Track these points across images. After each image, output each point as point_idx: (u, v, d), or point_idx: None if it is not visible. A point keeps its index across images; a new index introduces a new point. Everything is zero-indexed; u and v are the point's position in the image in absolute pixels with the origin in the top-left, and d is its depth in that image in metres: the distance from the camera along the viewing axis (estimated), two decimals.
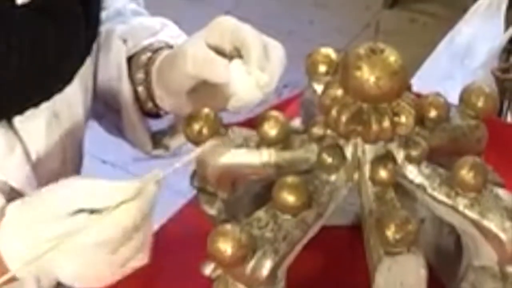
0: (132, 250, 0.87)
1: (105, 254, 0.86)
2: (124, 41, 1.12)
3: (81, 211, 0.85)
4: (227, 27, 1.01)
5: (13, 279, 0.86)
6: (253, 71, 0.98)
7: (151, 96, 1.10)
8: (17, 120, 0.98)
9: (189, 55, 1.01)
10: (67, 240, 0.83)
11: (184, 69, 1.02)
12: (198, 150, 0.93)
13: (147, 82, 1.09)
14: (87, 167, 1.18)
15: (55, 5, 0.94)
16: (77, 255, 0.86)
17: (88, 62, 1.04)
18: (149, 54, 1.10)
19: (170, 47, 1.10)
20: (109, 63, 1.12)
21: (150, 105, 1.11)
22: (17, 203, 0.89)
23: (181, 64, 1.02)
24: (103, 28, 1.12)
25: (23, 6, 0.87)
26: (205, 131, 0.95)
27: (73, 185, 0.87)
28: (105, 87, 1.12)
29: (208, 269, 0.92)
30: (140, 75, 1.10)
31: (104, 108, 1.15)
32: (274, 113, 0.94)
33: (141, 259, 0.89)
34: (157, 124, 1.14)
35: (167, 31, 1.14)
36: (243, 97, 1.00)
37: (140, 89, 1.10)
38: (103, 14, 1.13)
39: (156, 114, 1.13)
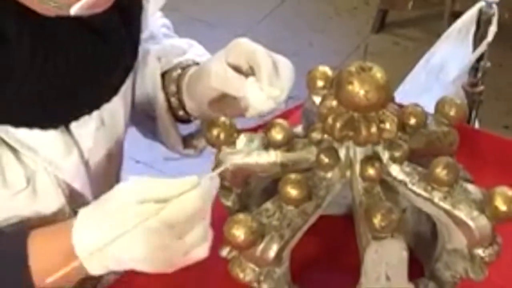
0: (195, 239, 0.84)
1: (171, 238, 0.82)
2: (158, 59, 1.12)
3: (146, 202, 0.83)
4: (243, 48, 1.01)
5: (83, 270, 0.85)
6: (264, 87, 0.98)
7: (182, 106, 1.10)
8: (73, 125, 0.98)
9: (212, 72, 1.01)
10: (136, 225, 0.81)
11: (208, 84, 1.02)
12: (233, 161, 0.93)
13: (178, 94, 1.09)
14: (123, 166, 1.18)
15: (104, 27, 0.95)
16: (145, 240, 0.82)
17: (130, 78, 1.04)
18: (179, 71, 1.10)
19: (197, 64, 1.10)
20: (146, 78, 1.12)
21: (181, 113, 1.11)
22: (88, 206, 0.86)
23: (205, 79, 1.02)
24: (140, 49, 1.12)
25: (79, 27, 0.86)
26: (222, 136, 0.95)
27: (137, 182, 0.85)
28: (143, 99, 1.12)
29: (225, 252, 0.92)
30: (172, 88, 1.10)
31: (142, 116, 1.14)
32: (280, 120, 0.94)
33: (202, 251, 0.85)
34: (186, 128, 1.14)
35: (194, 50, 1.14)
36: (257, 108, 1.00)
37: (173, 99, 1.10)
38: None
39: (186, 120, 1.13)
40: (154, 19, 1.16)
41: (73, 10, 0.83)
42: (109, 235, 0.82)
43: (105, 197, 0.86)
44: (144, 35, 1.14)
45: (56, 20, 0.87)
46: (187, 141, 1.15)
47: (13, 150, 0.93)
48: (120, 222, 0.82)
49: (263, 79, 0.98)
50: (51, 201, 0.97)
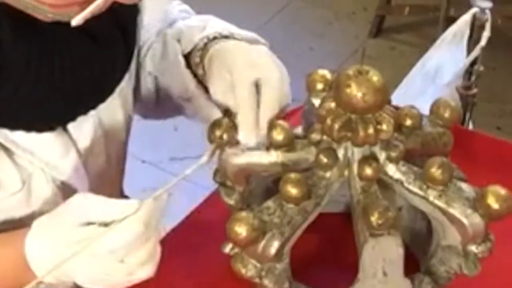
0: (137, 261, 0.83)
1: (113, 262, 0.82)
2: (178, 41, 1.08)
3: (91, 224, 0.83)
4: (231, 79, 0.96)
5: (40, 283, 0.85)
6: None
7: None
8: (70, 126, 0.97)
9: (215, 84, 0.99)
10: (82, 249, 0.81)
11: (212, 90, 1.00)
12: (201, 161, 0.90)
13: (204, 69, 1.04)
14: (129, 166, 1.17)
15: (98, 30, 0.94)
16: (90, 262, 0.82)
17: (127, 77, 1.03)
18: (199, 53, 1.04)
19: (216, 37, 1.04)
20: (170, 63, 1.08)
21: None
22: (41, 218, 0.86)
23: (212, 91, 1.00)
24: (159, 36, 1.09)
25: (73, 30, 0.85)
26: (225, 136, 0.95)
27: (84, 202, 0.85)
28: (174, 84, 1.08)
29: (227, 248, 0.92)
30: (200, 72, 1.04)
31: (180, 101, 1.10)
32: (281, 122, 0.94)
33: (145, 272, 0.84)
34: None
35: (211, 25, 1.07)
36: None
37: (200, 72, 1.04)
38: (161, 26, 1.10)
39: None
40: (171, 8, 1.13)
41: (75, 21, 0.81)
42: (58, 254, 0.82)
43: (56, 213, 0.85)
44: (161, 25, 1.11)
45: (50, 24, 0.86)
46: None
47: (8, 152, 0.92)
48: (66, 243, 0.82)
49: (242, 125, 0.95)
50: (46, 202, 0.96)
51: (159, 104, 1.14)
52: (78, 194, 0.87)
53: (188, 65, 1.06)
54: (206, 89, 1.04)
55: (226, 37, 1.04)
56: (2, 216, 0.95)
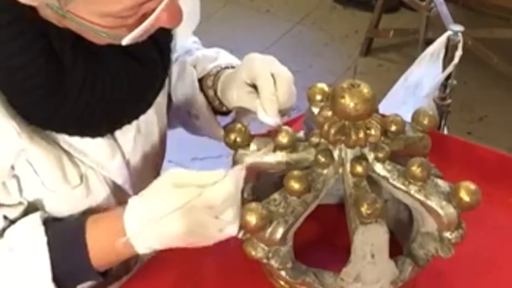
0: (228, 218, 0.84)
1: (210, 217, 0.84)
2: (194, 67, 1.10)
3: (188, 187, 0.84)
4: (250, 68, 0.99)
5: (130, 247, 0.85)
6: (267, 111, 0.96)
7: (219, 100, 1.07)
8: (117, 133, 0.97)
9: (234, 90, 1.01)
10: (182, 205, 0.82)
11: (231, 97, 1.02)
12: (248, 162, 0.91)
13: (215, 93, 1.07)
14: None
15: (140, 52, 0.94)
16: (188, 217, 0.83)
17: (162, 93, 1.03)
18: (213, 76, 1.07)
19: (226, 67, 1.08)
20: (186, 84, 1.09)
21: (218, 106, 1.08)
22: (134, 197, 0.87)
23: (230, 96, 1.02)
24: (177, 61, 1.11)
25: (121, 53, 0.86)
26: (238, 140, 0.95)
27: (177, 173, 0.86)
28: (186, 101, 1.10)
29: (240, 234, 0.91)
30: (210, 93, 1.07)
31: (186, 115, 1.12)
32: (285, 127, 0.94)
33: (234, 229, 0.86)
34: (225, 119, 1.11)
35: (222, 56, 1.11)
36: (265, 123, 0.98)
37: (211, 94, 1.07)
38: (179, 52, 1.12)
39: (224, 112, 1.10)
40: (185, 39, 1.14)
41: (125, 41, 0.82)
42: (156, 214, 0.83)
43: (151, 186, 0.86)
44: (179, 52, 1.13)
45: (103, 47, 0.86)
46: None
47: (67, 153, 0.93)
48: (166, 202, 0.83)
49: (265, 106, 0.96)
50: (100, 195, 0.97)
51: (168, 117, 1.14)
52: (170, 169, 0.88)
53: (200, 87, 1.08)
54: (213, 109, 1.08)
55: (234, 67, 1.07)
56: (70, 207, 0.95)
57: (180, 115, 1.13)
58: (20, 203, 0.92)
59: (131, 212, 0.86)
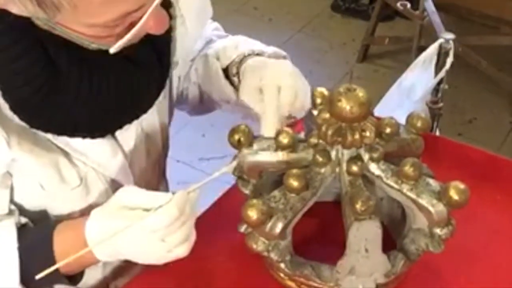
0: (176, 240, 0.83)
1: (155, 240, 0.82)
2: (217, 58, 1.08)
3: (136, 209, 0.83)
4: (261, 78, 0.99)
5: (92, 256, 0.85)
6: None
7: None
8: (118, 133, 0.96)
9: (245, 88, 1.01)
10: (125, 228, 0.81)
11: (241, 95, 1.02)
12: (223, 169, 0.90)
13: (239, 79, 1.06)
14: (167, 165, 1.15)
15: (136, 55, 0.92)
16: (136, 240, 0.82)
17: (163, 94, 1.01)
18: (236, 66, 1.06)
19: (249, 54, 1.06)
20: (212, 76, 1.08)
21: None
22: (97, 208, 0.86)
23: (240, 93, 1.02)
24: (200, 55, 1.10)
25: (117, 56, 0.84)
26: (242, 140, 0.95)
27: (129, 192, 0.85)
28: (216, 91, 1.09)
29: (242, 228, 0.92)
30: (236, 80, 1.06)
31: (220, 101, 1.11)
32: (286, 129, 0.94)
33: (182, 250, 0.84)
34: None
35: (242, 44, 1.09)
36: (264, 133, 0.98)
37: (236, 81, 1.06)
38: (200, 44, 1.11)
39: None
40: (206, 27, 1.12)
41: (112, 50, 0.81)
42: (111, 230, 0.82)
43: (108, 202, 0.86)
44: (200, 45, 1.11)
45: (97, 52, 0.85)
46: None
47: (67, 155, 0.91)
48: (116, 222, 0.82)
49: (265, 122, 0.97)
50: (100, 195, 0.96)
51: (203, 104, 1.16)
52: (125, 186, 0.87)
53: (226, 75, 1.07)
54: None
55: (257, 54, 1.06)
56: (66, 208, 0.94)
57: (213, 102, 1.13)
58: (10, 212, 0.90)
59: (92, 224, 0.85)
